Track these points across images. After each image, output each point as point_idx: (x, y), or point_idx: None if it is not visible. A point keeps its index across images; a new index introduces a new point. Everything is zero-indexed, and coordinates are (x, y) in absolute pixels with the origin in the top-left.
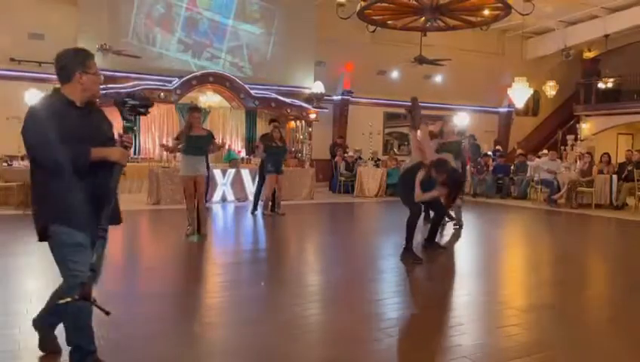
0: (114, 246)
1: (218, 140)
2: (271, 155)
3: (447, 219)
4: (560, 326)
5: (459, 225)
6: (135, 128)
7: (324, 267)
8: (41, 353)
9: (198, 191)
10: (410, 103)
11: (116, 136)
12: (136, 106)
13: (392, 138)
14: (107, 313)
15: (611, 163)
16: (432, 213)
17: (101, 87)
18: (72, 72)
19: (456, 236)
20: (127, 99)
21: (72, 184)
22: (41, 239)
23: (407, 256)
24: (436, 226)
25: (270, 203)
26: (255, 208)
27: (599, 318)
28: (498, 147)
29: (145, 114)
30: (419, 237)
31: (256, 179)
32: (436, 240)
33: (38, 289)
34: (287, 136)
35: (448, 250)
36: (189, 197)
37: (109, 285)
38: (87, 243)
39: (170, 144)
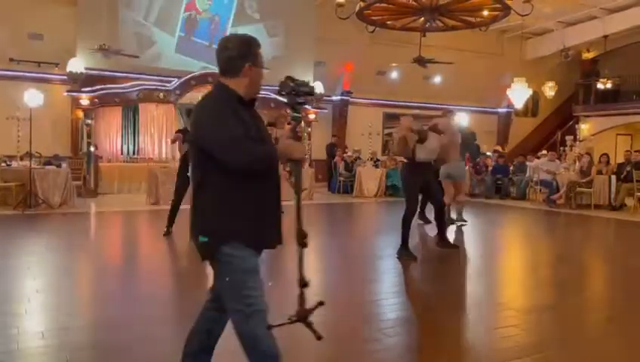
0: (114, 247)
1: None
2: None
3: (458, 222)
4: (559, 326)
5: (463, 223)
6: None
7: (323, 267)
8: (39, 353)
9: None
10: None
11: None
12: (303, 93)
13: (392, 138)
14: (319, 337)
15: (610, 163)
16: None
17: (101, 87)
18: (242, 63)
19: (460, 235)
20: (290, 85)
21: (256, 192)
22: (206, 259)
23: (402, 252)
24: (441, 221)
25: None
26: None
27: (598, 319)
28: (497, 147)
29: (305, 104)
30: (417, 237)
31: None
32: (447, 239)
33: (36, 289)
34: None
35: (446, 250)
36: None
37: (108, 287)
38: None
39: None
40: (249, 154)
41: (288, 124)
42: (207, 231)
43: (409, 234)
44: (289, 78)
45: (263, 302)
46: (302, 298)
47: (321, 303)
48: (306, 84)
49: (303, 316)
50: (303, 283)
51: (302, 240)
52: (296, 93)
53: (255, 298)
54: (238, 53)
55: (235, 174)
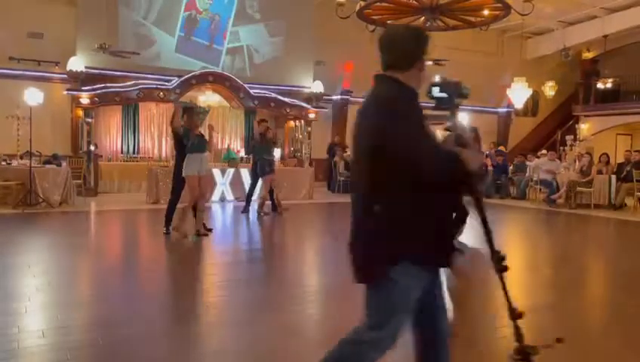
0: (114, 245)
1: (217, 140)
2: (266, 155)
3: None
4: (559, 326)
5: None
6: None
7: (323, 267)
8: (40, 351)
9: (202, 189)
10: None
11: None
12: (463, 96)
13: None
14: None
15: (610, 163)
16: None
17: (101, 85)
18: (417, 57)
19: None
20: (454, 86)
21: (436, 205)
22: (368, 280)
23: None
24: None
25: (270, 202)
26: (247, 208)
27: (599, 319)
28: (501, 147)
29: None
30: None
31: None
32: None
33: (36, 288)
34: (285, 136)
35: None
36: (194, 197)
37: (107, 285)
38: None
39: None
40: (442, 161)
41: None
42: (376, 248)
43: None
44: (444, 78)
45: (395, 339)
46: (519, 333)
47: (559, 340)
48: (463, 85)
49: (526, 354)
50: (517, 315)
51: (500, 264)
52: (459, 94)
53: (395, 330)
54: (416, 45)
55: (418, 183)
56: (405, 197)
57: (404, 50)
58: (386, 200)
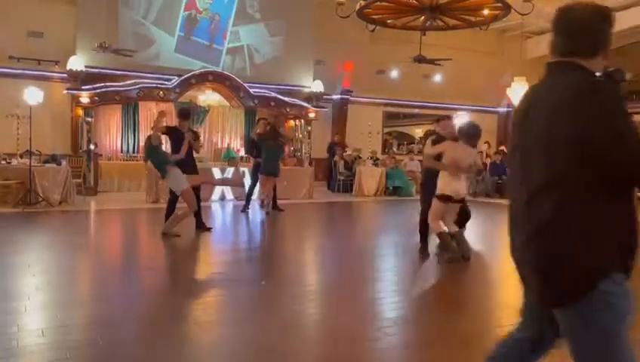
0: (113, 245)
1: (217, 139)
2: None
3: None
4: None
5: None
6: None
7: (323, 266)
8: (39, 350)
9: (202, 179)
10: None
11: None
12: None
13: (391, 137)
14: None
15: None
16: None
17: (101, 85)
18: (605, 43)
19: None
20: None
21: (630, 206)
22: (569, 300)
23: (420, 249)
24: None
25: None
26: (246, 207)
27: None
28: (502, 147)
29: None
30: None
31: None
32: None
33: (36, 287)
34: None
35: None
36: (193, 204)
37: (106, 284)
38: None
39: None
40: None
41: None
42: (581, 261)
43: (426, 234)
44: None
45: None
46: None
47: None
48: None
49: None
50: None
51: None
52: (620, 80)
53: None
54: (605, 29)
55: (617, 182)
56: (608, 195)
57: (592, 36)
58: (590, 200)
